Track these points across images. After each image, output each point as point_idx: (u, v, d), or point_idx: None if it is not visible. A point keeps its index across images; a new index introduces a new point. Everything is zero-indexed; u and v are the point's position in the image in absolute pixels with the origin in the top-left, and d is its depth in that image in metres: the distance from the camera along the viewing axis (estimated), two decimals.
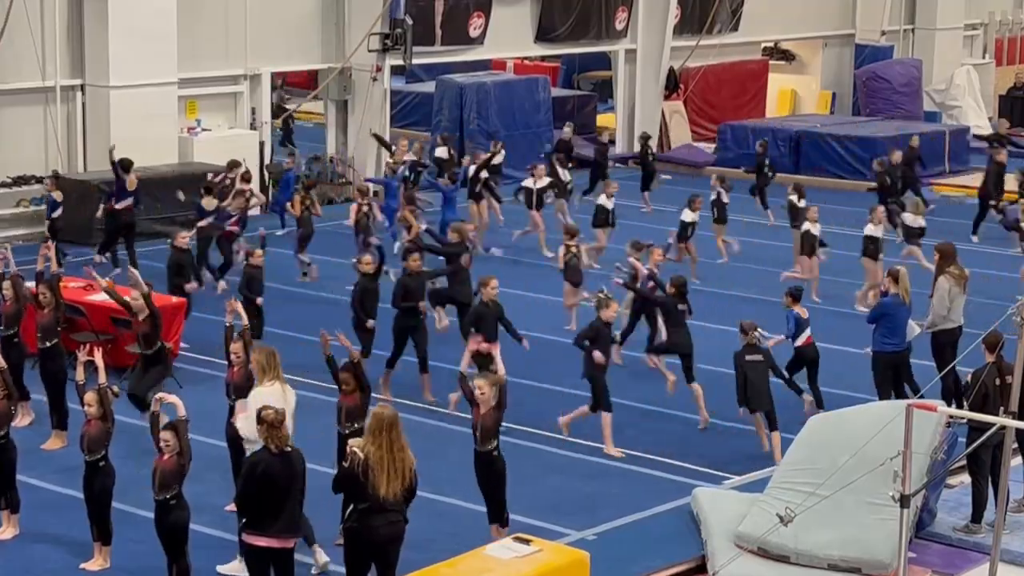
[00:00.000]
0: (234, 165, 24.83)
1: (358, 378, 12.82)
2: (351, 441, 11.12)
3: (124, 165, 22.82)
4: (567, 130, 30.98)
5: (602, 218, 23.61)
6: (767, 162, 28.11)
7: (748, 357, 15.49)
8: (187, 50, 26.48)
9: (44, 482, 14.39)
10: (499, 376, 12.74)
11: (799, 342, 16.72)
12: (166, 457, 11.47)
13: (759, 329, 15.73)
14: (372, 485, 10.77)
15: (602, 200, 23.75)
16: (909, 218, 23.26)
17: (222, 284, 21.18)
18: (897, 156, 27.69)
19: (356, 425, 12.44)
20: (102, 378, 12.50)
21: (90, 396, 12.34)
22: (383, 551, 11.06)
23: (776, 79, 38.89)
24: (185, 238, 19.55)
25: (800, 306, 16.82)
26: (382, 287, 17.86)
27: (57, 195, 22.78)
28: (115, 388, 12.73)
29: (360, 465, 10.78)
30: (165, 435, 11.49)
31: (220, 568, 12.46)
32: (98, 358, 12.65)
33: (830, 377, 17.72)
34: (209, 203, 22.27)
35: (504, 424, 15.84)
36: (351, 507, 11.02)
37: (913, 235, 23.01)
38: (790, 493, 12.66)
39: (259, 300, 18.27)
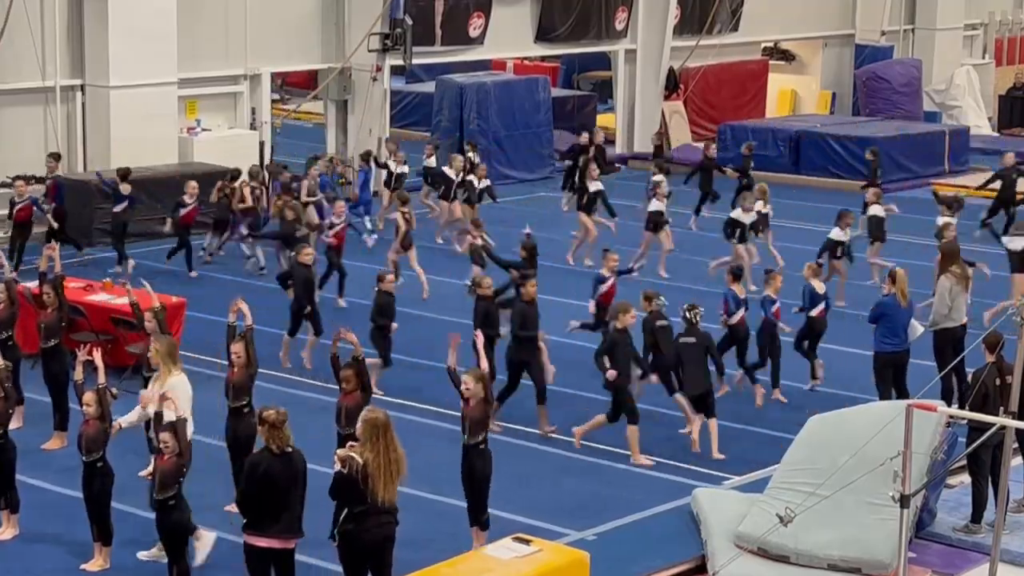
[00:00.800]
0: (313, 162, 24.99)
1: (360, 376, 12.82)
2: (339, 453, 11.08)
3: (122, 174, 23.17)
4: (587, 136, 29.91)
5: (736, 231, 22.54)
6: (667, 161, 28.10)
7: (658, 323, 16.23)
8: (187, 50, 26.47)
9: (44, 482, 14.39)
10: (481, 370, 12.75)
11: (733, 320, 17.30)
12: (165, 458, 11.47)
13: (662, 297, 16.53)
14: (371, 491, 10.80)
15: (736, 214, 22.87)
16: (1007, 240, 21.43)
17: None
18: (1010, 158, 27.39)
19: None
20: (101, 378, 12.49)
21: (89, 396, 12.34)
22: (377, 553, 11.08)
23: (776, 79, 38.87)
24: (310, 254, 18.64)
25: (739, 285, 17.50)
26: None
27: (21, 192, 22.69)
28: (114, 389, 12.72)
29: (360, 471, 10.80)
30: (164, 436, 11.50)
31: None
32: (97, 358, 12.64)
33: (828, 377, 17.76)
34: (125, 188, 22.57)
35: (505, 424, 15.95)
36: (345, 511, 11.03)
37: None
38: (790, 493, 12.66)
39: (393, 326, 17.32)
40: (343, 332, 13.48)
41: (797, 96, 39.79)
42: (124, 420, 13.10)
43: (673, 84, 35.21)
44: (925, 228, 24.51)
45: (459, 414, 12.82)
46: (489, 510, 12.89)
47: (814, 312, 17.67)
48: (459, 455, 12.83)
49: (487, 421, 12.72)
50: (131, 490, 13.55)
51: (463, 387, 12.58)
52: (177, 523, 11.53)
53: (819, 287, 17.79)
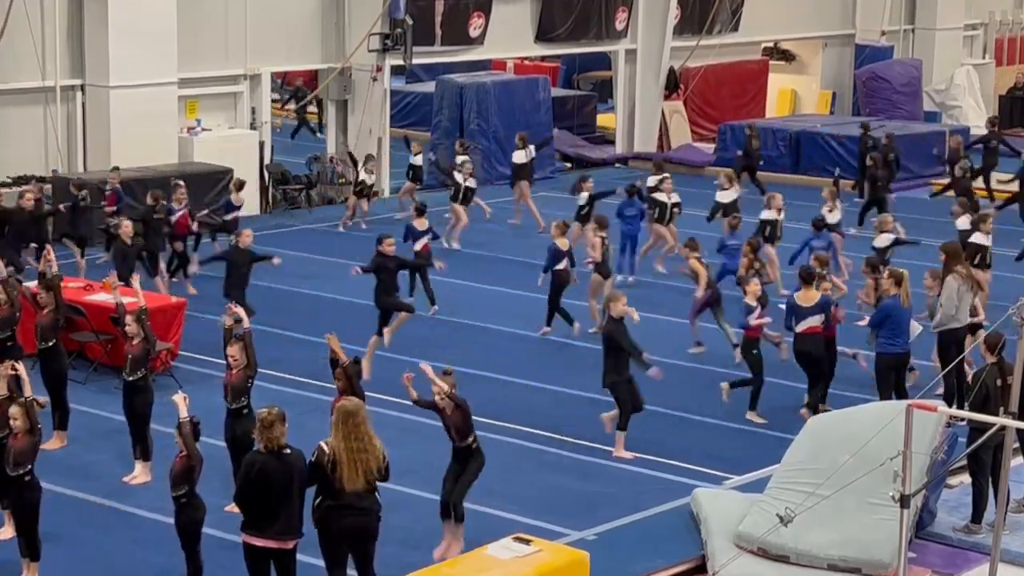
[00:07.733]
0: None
1: (348, 379, 12.80)
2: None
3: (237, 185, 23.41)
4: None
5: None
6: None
7: None
8: (187, 50, 26.46)
9: (44, 482, 14.31)
10: (447, 387, 12.68)
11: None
12: (178, 456, 11.50)
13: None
14: (338, 478, 10.88)
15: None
16: None
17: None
18: None
19: None
20: (27, 391, 12.36)
21: (15, 410, 11.91)
22: (353, 544, 11.15)
23: (776, 79, 38.86)
24: (392, 246, 18.14)
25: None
26: None
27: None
28: (40, 400, 12.56)
29: (330, 460, 10.88)
30: (176, 434, 11.53)
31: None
32: (22, 372, 12.55)
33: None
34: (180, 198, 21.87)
35: (505, 424, 15.95)
36: (319, 499, 11.10)
37: None
38: (790, 493, 12.66)
39: None
40: (329, 339, 13.31)
41: (797, 96, 39.78)
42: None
43: (673, 84, 35.20)
44: (925, 228, 24.50)
45: None
46: (489, 510, 12.89)
47: (800, 328, 16.60)
48: None
49: (470, 424, 12.69)
50: (131, 491, 13.58)
51: (437, 399, 12.61)
52: (188, 521, 11.53)
53: (805, 299, 16.62)
